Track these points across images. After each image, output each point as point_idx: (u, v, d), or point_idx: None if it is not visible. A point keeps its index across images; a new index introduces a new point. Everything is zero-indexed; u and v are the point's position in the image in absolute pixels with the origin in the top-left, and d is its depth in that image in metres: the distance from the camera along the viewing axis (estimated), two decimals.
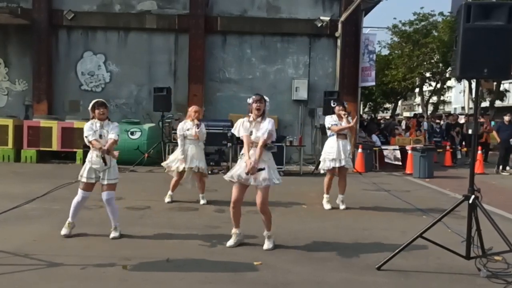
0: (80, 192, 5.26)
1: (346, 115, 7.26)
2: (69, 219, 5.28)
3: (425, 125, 17.91)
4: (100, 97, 5.43)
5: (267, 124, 4.91)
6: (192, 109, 7.37)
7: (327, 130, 7.52)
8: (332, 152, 7.27)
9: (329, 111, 11.86)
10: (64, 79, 14.22)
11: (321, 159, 7.61)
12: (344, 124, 7.27)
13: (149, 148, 11.99)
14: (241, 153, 5.06)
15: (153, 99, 12.51)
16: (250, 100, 4.98)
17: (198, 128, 7.23)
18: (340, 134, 7.31)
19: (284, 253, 4.86)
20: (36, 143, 12.39)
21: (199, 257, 4.66)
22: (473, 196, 4.29)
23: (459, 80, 23.81)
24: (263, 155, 4.89)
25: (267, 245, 5.00)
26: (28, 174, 10.38)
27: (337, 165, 7.24)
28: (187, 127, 7.29)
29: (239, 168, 4.90)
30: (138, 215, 6.52)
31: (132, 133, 12.40)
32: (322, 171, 7.66)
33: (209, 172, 11.24)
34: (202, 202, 7.46)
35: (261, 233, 5.09)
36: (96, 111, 5.23)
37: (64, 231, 5.23)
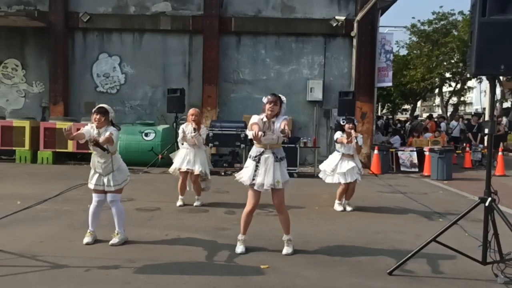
0: (93, 196, 5.08)
1: (354, 136, 6.79)
2: (89, 228, 5.07)
3: (442, 126, 17.50)
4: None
5: (281, 124, 4.62)
6: (189, 112, 7.13)
7: (335, 144, 7.26)
8: (331, 167, 7.09)
9: (343, 111, 11.79)
10: (80, 81, 14.32)
11: (320, 167, 7.44)
12: (352, 144, 6.90)
13: (163, 150, 11.97)
14: (249, 155, 4.87)
15: (166, 100, 12.53)
16: (265, 100, 4.75)
17: (195, 132, 6.99)
18: (345, 154, 7.08)
19: (293, 257, 4.72)
20: (52, 144, 12.49)
21: (205, 260, 4.56)
22: (489, 199, 4.10)
23: (474, 76, 23.24)
24: (279, 151, 4.77)
25: (286, 250, 4.81)
26: (43, 175, 10.45)
27: (337, 181, 7.07)
28: (188, 130, 7.08)
29: (256, 174, 4.70)
30: (148, 217, 6.46)
31: (146, 135, 12.39)
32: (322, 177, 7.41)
33: (222, 173, 11.28)
34: (196, 204, 7.25)
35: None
36: (93, 117, 5.00)
37: (86, 239, 4.98)
